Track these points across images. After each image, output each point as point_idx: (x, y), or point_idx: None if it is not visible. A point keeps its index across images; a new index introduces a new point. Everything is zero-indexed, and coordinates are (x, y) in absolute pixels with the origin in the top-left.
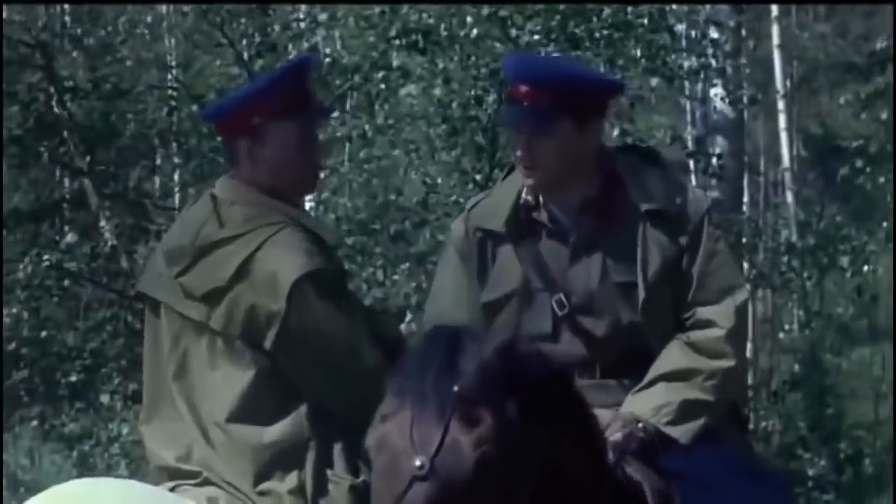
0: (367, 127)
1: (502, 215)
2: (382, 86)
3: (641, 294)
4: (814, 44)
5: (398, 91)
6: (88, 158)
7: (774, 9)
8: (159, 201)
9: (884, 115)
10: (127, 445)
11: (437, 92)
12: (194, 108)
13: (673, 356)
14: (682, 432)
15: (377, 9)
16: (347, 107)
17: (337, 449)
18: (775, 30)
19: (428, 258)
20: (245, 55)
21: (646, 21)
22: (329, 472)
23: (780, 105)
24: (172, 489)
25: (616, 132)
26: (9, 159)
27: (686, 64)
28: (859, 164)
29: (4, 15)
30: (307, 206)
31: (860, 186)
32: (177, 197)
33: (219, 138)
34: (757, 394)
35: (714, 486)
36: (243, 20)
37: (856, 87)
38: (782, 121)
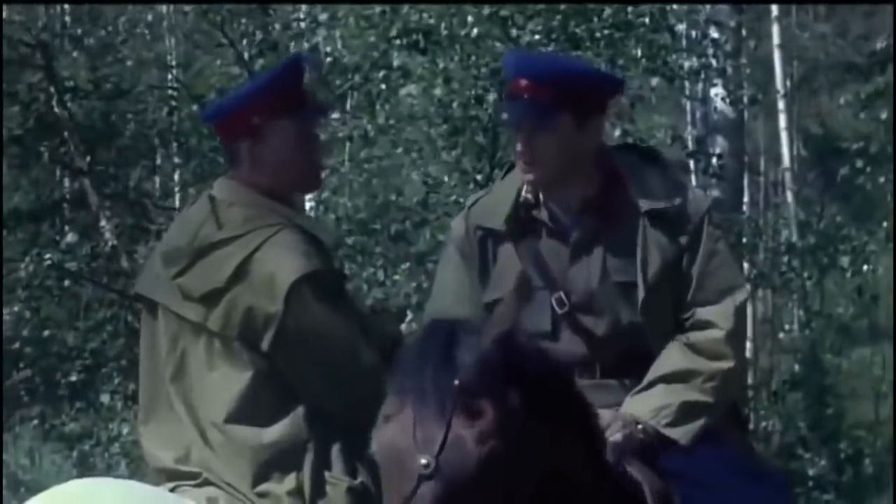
0: (367, 127)
1: (502, 213)
2: (383, 85)
3: (641, 294)
4: (814, 44)
5: (399, 91)
6: (89, 158)
7: (774, 9)
8: (159, 201)
9: (884, 115)
10: (127, 445)
11: (438, 92)
12: (194, 108)
13: (672, 357)
14: (681, 434)
15: (378, 8)
16: (348, 107)
17: (335, 450)
18: (775, 30)
19: (428, 258)
20: (245, 55)
21: (646, 21)
22: (327, 473)
23: (781, 105)
24: (172, 490)
25: (617, 132)
26: (9, 159)
27: (686, 64)
28: (859, 164)
29: (4, 15)
30: (307, 205)
31: (860, 186)
32: (177, 197)
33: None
34: (757, 394)
35: (714, 486)
36: (244, 20)
37: (856, 87)
38: (782, 121)
